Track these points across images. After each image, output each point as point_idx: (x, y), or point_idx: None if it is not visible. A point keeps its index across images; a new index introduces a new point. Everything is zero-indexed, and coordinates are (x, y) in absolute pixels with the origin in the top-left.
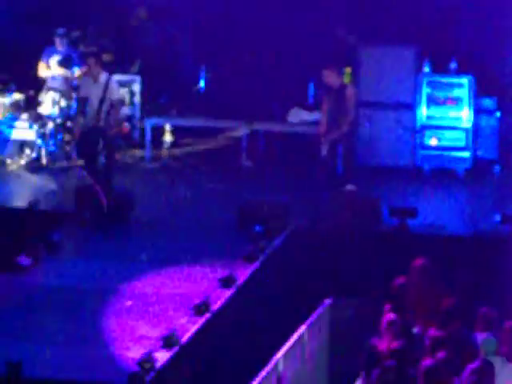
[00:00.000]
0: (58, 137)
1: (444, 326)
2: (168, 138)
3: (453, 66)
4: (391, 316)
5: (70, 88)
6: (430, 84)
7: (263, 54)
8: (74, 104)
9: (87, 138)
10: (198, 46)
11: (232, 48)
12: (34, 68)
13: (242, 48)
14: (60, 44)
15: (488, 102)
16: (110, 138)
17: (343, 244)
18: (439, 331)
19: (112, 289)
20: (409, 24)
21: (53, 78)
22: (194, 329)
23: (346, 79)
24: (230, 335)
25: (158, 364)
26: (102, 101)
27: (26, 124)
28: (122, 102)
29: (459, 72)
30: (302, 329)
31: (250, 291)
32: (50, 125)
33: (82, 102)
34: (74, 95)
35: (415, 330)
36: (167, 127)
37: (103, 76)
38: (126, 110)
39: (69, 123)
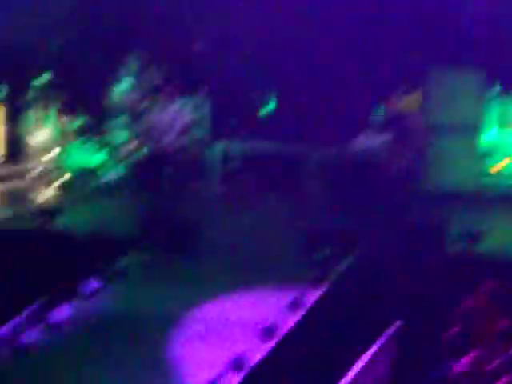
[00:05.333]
0: (127, 162)
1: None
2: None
3: None
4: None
5: (138, 113)
6: (499, 106)
7: (329, 79)
8: (141, 129)
9: (151, 163)
10: (267, 71)
11: (301, 74)
12: (101, 93)
13: (310, 73)
14: (125, 71)
15: None
16: (177, 164)
17: (409, 269)
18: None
19: (179, 314)
20: (477, 46)
21: (120, 104)
22: (262, 352)
23: (413, 105)
24: (298, 359)
25: None
26: (171, 127)
27: (95, 148)
28: (188, 128)
29: None
30: (373, 350)
31: (318, 315)
32: (119, 150)
33: (149, 127)
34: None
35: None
36: (235, 151)
37: (174, 103)
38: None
39: (135, 148)
